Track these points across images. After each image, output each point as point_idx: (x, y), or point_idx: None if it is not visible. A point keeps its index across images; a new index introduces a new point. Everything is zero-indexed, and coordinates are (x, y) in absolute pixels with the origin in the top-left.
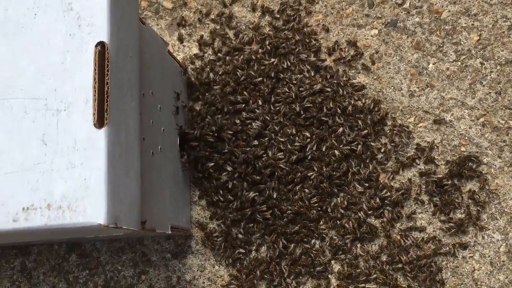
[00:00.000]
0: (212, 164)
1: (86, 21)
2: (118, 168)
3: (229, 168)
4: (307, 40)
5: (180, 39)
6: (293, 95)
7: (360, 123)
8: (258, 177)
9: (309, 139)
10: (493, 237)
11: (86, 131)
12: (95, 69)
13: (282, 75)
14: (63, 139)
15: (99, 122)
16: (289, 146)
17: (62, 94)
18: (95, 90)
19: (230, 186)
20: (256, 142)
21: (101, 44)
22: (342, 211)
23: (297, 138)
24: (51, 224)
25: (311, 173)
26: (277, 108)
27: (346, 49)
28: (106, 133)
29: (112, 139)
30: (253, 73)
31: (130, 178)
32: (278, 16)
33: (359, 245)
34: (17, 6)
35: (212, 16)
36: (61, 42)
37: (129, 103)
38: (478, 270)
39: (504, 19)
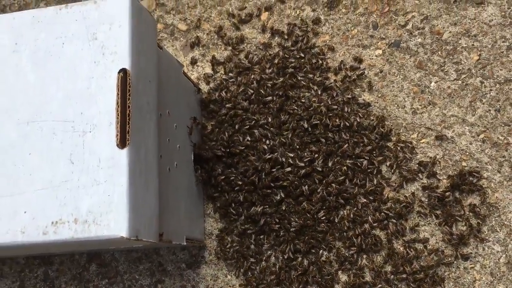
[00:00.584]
0: (223, 177)
1: (109, 50)
2: (139, 184)
3: (239, 182)
4: (315, 60)
5: (194, 60)
6: (301, 113)
7: (365, 139)
8: (267, 191)
9: (316, 154)
10: (493, 249)
11: (110, 151)
12: (118, 94)
13: (290, 93)
14: (88, 158)
15: (122, 143)
16: (297, 161)
17: (88, 117)
18: (118, 113)
19: (241, 199)
20: (266, 157)
21: (123, 70)
22: (348, 224)
23: (305, 153)
24: (78, 237)
25: (318, 187)
26: (286, 125)
27: (352, 68)
28: (128, 152)
29: (133, 158)
30: (262, 92)
31: (149, 193)
32: (286, 37)
33: (364, 256)
34: (46, 36)
35: (225, 38)
36: (86, 69)
37: (148, 124)
38: (479, 281)
39: (503, 39)
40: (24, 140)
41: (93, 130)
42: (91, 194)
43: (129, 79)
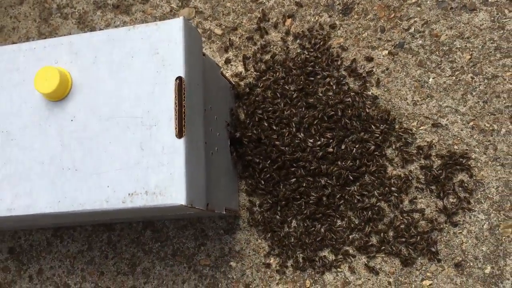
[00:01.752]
0: (249, 158)
1: (168, 62)
2: (192, 165)
3: (267, 164)
4: (330, 59)
5: (228, 60)
6: (318, 105)
7: (372, 127)
8: (292, 169)
9: (331, 140)
10: (478, 217)
11: (170, 140)
12: (175, 96)
13: (309, 88)
14: (154, 146)
15: (179, 134)
16: (316, 144)
17: (153, 114)
18: (176, 111)
19: (268, 177)
20: (288, 141)
21: (179, 78)
22: (358, 197)
23: (322, 139)
24: (148, 205)
25: (333, 167)
26: (306, 115)
27: (363, 66)
28: (184, 141)
29: (188, 146)
30: (286, 87)
31: (199, 172)
32: (307, 39)
33: (371, 224)
34: (119, 50)
35: (255, 42)
36: (151, 76)
37: (197, 119)
38: (466, 243)
39: (492, 41)
40: (105, 132)
41: (157, 124)
42: (157, 173)
43: (184, 84)
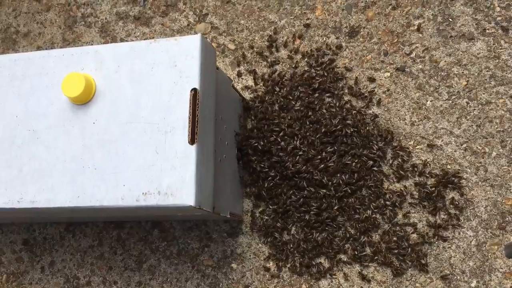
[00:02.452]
0: (254, 167)
1: (185, 74)
2: (202, 170)
3: (271, 173)
4: (335, 78)
5: (239, 73)
6: (322, 120)
7: (372, 143)
8: (294, 180)
9: (333, 154)
10: (467, 234)
11: (183, 146)
12: (190, 106)
13: (315, 104)
14: (169, 150)
15: (192, 141)
16: (317, 157)
17: (168, 121)
18: (190, 120)
19: (272, 186)
20: (292, 153)
21: (194, 89)
22: (354, 209)
23: (323, 153)
24: (160, 204)
25: (333, 180)
26: (310, 129)
27: (365, 86)
28: (196, 148)
29: (199, 152)
30: (293, 102)
31: (208, 177)
32: (314, 58)
33: (366, 234)
34: (140, 61)
35: (265, 58)
36: (168, 87)
37: (208, 127)
38: (454, 257)
39: (487, 69)
40: (124, 136)
41: (172, 131)
42: (170, 175)
43: (198, 95)
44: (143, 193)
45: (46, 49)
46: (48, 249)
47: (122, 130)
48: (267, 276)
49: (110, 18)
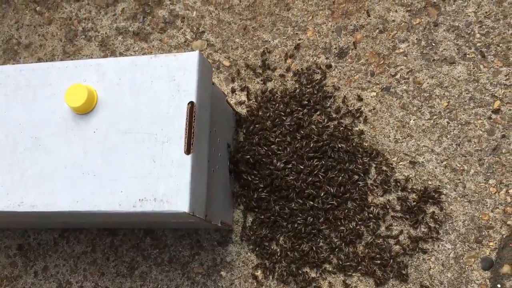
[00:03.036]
0: (245, 178)
1: (183, 88)
2: (196, 179)
3: (261, 185)
4: (324, 95)
5: (233, 89)
6: (311, 135)
7: (357, 158)
8: (283, 192)
9: (320, 168)
10: (446, 246)
11: (179, 156)
12: (187, 118)
13: (304, 120)
14: (165, 159)
15: (187, 151)
16: (305, 170)
17: (166, 132)
18: (186, 131)
19: (262, 197)
20: (281, 166)
21: (191, 103)
22: (340, 221)
23: (311, 167)
24: (156, 210)
25: (320, 192)
26: (298, 144)
27: (353, 105)
28: (191, 158)
29: (194, 161)
30: (284, 118)
31: (202, 186)
32: (304, 77)
33: (350, 245)
34: (140, 75)
35: (258, 75)
36: (167, 100)
37: (203, 139)
38: (433, 269)
39: (467, 91)
40: (123, 144)
41: (169, 141)
42: (166, 183)
43: (195, 108)
44: (139, 200)
45: (46, 60)
46: (42, 254)
47: (122, 139)
48: (255, 284)
49: (110, 33)
